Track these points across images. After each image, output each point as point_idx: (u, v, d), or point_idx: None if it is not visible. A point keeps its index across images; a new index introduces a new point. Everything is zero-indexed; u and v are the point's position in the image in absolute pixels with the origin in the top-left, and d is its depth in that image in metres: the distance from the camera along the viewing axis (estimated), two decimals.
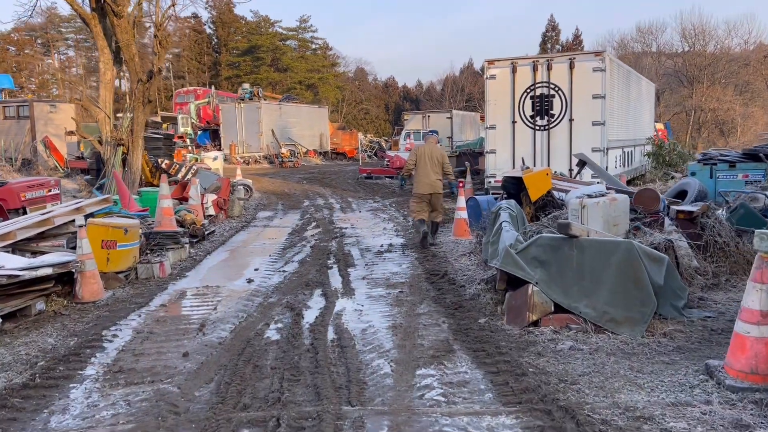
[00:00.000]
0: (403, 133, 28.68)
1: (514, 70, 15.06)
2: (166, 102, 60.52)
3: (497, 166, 15.39)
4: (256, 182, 22.93)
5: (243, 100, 32.73)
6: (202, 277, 7.77)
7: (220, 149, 33.18)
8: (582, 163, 12.33)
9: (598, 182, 11.57)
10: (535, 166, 15.16)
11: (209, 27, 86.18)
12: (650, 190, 7.34)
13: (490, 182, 15.47)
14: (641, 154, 20.43)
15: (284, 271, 7.96)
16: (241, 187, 16.76)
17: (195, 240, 10.09)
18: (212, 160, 20.45)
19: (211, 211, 12.68)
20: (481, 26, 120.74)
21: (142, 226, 9.23)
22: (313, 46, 75.74)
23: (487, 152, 15.57)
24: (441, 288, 6.65)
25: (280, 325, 5.55)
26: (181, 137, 36.44)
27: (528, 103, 15.04)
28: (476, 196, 10.86)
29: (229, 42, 77.87)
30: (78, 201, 8.76)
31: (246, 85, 34.49)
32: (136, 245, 7.68)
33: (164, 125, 43.19)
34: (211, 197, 12.69)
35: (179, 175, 15.16)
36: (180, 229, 8.96)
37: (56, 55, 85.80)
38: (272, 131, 32.50)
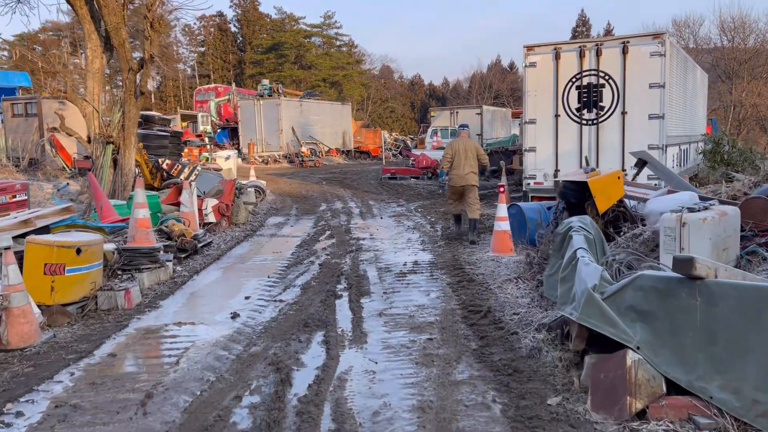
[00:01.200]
0: (430, 130, 26.91)
1: (557, 57, 13.19)
2: (190, 100, 59.68)
3: (537, 166, 13.56)
4: (271, 183, 21.42)
5: (262, 96, 31.30)
6: (178, 309, 6.14)
7: (238, 148, 31.86)
8: (642, 163, 10.45)
9: (658, 185, 9.71)
10: (581, 166, 13.31)
11: (234, 25, 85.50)
12: (762, 199, 5.49)
13: (529, 184, 13.64)
14: (695, 152, 18.35)
15: (281, 301, 6.28)
16: (252, 190, 15.21)
17: (184, 255, 8.50)
18: (224, 159, 18.95)
19: (212, 219, 11.11)
20: (510, 22, 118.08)
21: (114, 241, 7.66)
22: (338, 43, 74.30)
23: (525, 150, 13.71)
24: (484, 334, 4.89)
25: (256, 398, 3.87)
26: (199, 135, 35.25)
27: (573, 94, 13.17)
28: (519, 204, 9.06)
29: (254, 40, 76.93)
30: (33, 211, 7.21)
31: (265, 82, 33.05)
32: (96, 268, 6.08)
33: (183, 123, 42.21)
34: (211, 202, 11.12)
35: (182, 177, 13.66)
36: (159, 245, 7.35)
37: (83, 54, 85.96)
38: (292, 129, 31.00)
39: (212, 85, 46.28)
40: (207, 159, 19.19)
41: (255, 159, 30.07)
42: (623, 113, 12.69)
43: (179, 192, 11.14)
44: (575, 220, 4.65)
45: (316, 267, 7.97)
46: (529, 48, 13.61)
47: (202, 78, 77.51)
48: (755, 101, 47.87)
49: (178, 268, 8.07)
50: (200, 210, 11.01)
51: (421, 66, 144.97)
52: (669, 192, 8.49)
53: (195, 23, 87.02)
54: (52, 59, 75.86)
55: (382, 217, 13.02)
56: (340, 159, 33.80)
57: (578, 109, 13.09)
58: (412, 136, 54.79)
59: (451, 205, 9.99)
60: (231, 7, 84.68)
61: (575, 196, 6.39)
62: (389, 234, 10.70)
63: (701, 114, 20.37)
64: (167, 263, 7.54)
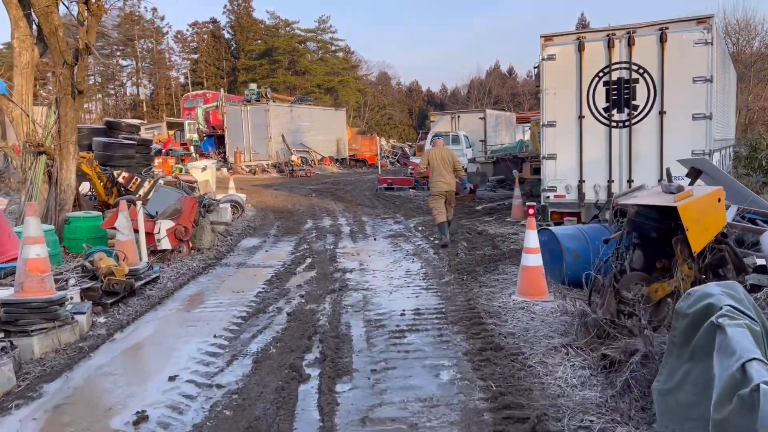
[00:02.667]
0: (430, 136, 24.87)
1: (580, 48, 11.20)
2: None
3: (558, 176, 11.54)
4: (256, 196, 19.38)
5: (249, 101, 29.28)
6: (58, 404, 4.08)
7: (224, 157, 29.84)
8: (696, 174, 8.37)
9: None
10: (611, 176, 11.31)
11: (228, 32, 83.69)
12: None
13: (548, 198, 11.61)
14: (729, 158, 16.36)
15: (219, 387, 4.22)
16: (227, 206, 13.16)
17: (112, 300, 6.44)
18: (200, 170, 16.89)
19: (166, 245, 9.05)
20: (509, 27, 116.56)
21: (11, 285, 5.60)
22: (333, 48, 72.48)
23: (544, 158, 11.68)
24: None
25: None
26: (184, 144, 33.23)
27: (601, 91, 11.17)
28: (552, 228, 6.99)
29: (247, 46, 75.14)
30: None
31: (252, 86, 31.06)
32: None
33: (170, 132, 40.21)
34: (165, 225, 9.06)
35: (141, 192, 11.62)
36: (59, 295, 5.28)
37: None
38: (282, 136, 28.99)
39: (200, 92, 44.31)
40: (181, 170, 17.14)
41: (242, 168, 28.04)
42: (661, 113, 10.69)
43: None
44: (717, 292, 2.58)
45: (284, 318, 5.90)
46: (547, 38, 11.61)
47: (196, 86, 75.52)
48: (762, 105, 46.31)
49: (101, 319, 6.01)
50: (151, 234, 8.97)
51: (419, 72, 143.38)
52: (740, 212, 6.47)
53: (188, 30, 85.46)
54: (43, 67, 73.85)
55: (375, 239, 10.97)
56: (333, 168, 31.77)
57: (607, 110, 11.08)
58: (410, 143, 52.82)
59: (438, 215, 10.04)
60: (224, 13, 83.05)
61: (655, 228, 4.35)
62: (384, 263, 8.63)
63: (734, 114, 18.43)
64: (78, 317, 5.48)
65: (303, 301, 6.55)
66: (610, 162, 11.11)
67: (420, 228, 12.06)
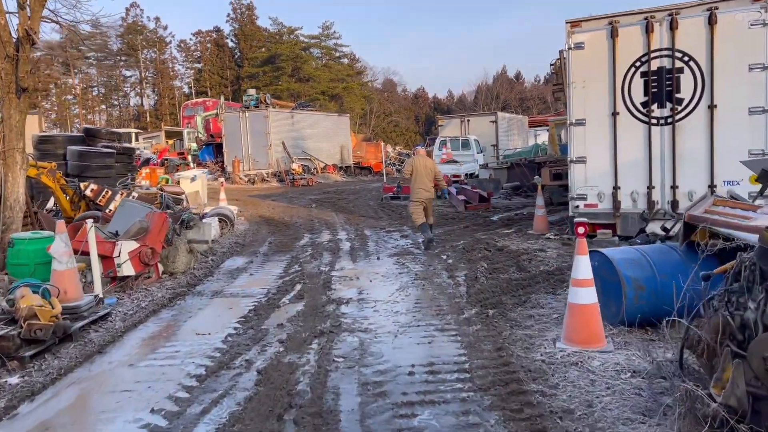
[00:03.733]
0: (438, 141, 23.42)
1: (613, 34, 9.70)
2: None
3: (589, 182, 10.03)
4: (251, 207, 17.93)
5: (248, 108, 27.89)
6: None
7: (222, 166, 28.46)
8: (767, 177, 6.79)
9: None
10: (651, 181, 9.75)
11: (231, 40, 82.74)
12: None
13: (577, 207, 10.10)
14: None
15: None
16: (212, 221, 11.71)
17: (33, 352, 4.96)
18: (189, 181, 15.44)
19: (128, 271, 7.57)
20: (515, 33, 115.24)
21: None
22: (337, 54, 71.26)
23: (571, 161, 10.16)
24: None
25: None
26: (181, 153, 31.91)
27: (638, 83, 9.64)
28: (604, 251, 5.40)
29: (250, 54, 74.12)
30: None
31: (251, 91, 29.65)
32: None
33: (169, 141, 38.93)
34: (127, 247, 7.58)
35: (111, 207, 10.18)
36: None
37: (76, 73, 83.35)
38: (282, 144, 27.56)
39: (200, 100, 43.06)
40: (167, 181, 15.69)
41: (240, 178, 26.63)
42: (711, 107, 9.16)
43: (76, 231, 7.65)
44: None
45: (252, 379, 4.39)
46: (574, 24, 10.11)
47: (199, 95, 74.39)
48: None
49: (12, 380, 4.55)
50: (110, 258, 7.50)
51: (425, 79, 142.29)
52: None
53: (191, 39, 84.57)
54: (45, 79, 72.83)
55: (379, 257, 9.44)
56: (337, 176, 30.29)
57: (645, 105, 9.57)
58: None
59: (417, 219, 10.37)
60: (228, 21, 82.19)
61: None
62: (387, 290, 7.11)
63: None
64: None
65: (282, 349, 5.04)
66: (650, 165, 9.59)
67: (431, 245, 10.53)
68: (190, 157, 31.02)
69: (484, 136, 24.06)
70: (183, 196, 14.62)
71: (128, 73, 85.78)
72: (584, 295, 4.61)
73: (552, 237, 10.57)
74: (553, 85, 18.79)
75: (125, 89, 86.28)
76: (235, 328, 5.77)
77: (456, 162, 21.26)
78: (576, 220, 4.82)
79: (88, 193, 10.33)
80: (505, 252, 9.18)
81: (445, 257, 9.13)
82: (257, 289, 7.55)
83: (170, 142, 38.37)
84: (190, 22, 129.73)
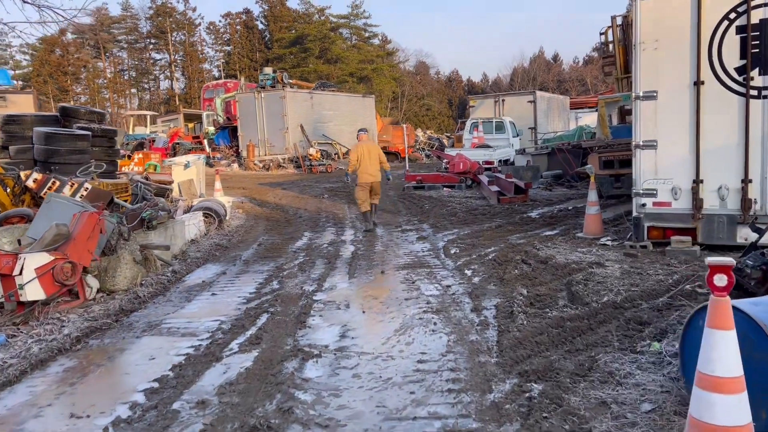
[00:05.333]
0: (469, 123, 21.02)
1: None
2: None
3: (660, 173, 7.70)
4: (257, 198, 15.93)
5: (264, 88, 25.87)
6: None
7: (237, 150, 26.58)
8: None
9: None
10: (747, 173, 7.35)
11: (261, 22, 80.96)
12: None
13: (644, 205, 7.77)
14: None
15: None
16: (194, 218, 9.73)
17: None
18: (183, 168, 13.49)
19: (36, 294, 5.58)
20: (554, 13, 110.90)
21: None
22: (367, 35, 68.79)
23: (637, 146, 7.79)
24: None
25: None
26: (196, 137, 30.18)
27: (732, 41, 7.20)
28: (748, 311, 3.08)
29: (278, 34, 72.25)
30: None
31: (267, 70, 27.60)
32: None
33: (189, 125, 37.26)
34: (35, 262, 5.58)
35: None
36: None
37: (107, 56, 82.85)
38: (301, 127, 25.50)
39: (221, 81, 41.25)
40: (155, 168, 13.77)
41: (255, 164, 24.71)
42: None
43: None
44: None
45: None
46: None
47: (229, 78, 73.08)
48: None
49: None
50: (10, 277, 5.51)
51: (459, 61, 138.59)
52: None
53: (220, 21, 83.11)
54: (75, 62, 72.45)
55: (384, 271, 7.27)
56: None
57: (742, 70, 7.13)
58: (449, 134, 48.87)
59: (362, 204, 10.66)
60: (257, 2, 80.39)
61: None
62: (382, 335, 4.93)
63: None
64: None
65: None
66: (747, 151, 7.18)
67: (454, 250, 8.31)
68: (206, 142, 29.28)
69: (520, 118, 21.59)
70: (171, 185, 12.72)
71: (158, 57, 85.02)
72: (727, 409, 2.36)
73: (609, 243, 8.24)
74: (602, 57, 16.22)
75: (155, 72, 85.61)
76: (133, 406, 3.70)
77: (489, 147, 18.89)
78: (712, 263, 2.50)
79: (30, 183, 8.41)
80: (550, 267, 6.92)
81: (469, 273, 6.92)
82: (207, 322, 5.48)
83: (190, 125, 36.77)
84: (219, 4, 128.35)
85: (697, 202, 7.46)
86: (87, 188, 8.44)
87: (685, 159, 7.52)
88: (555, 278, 6.45)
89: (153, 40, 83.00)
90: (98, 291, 6.46)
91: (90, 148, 11.92)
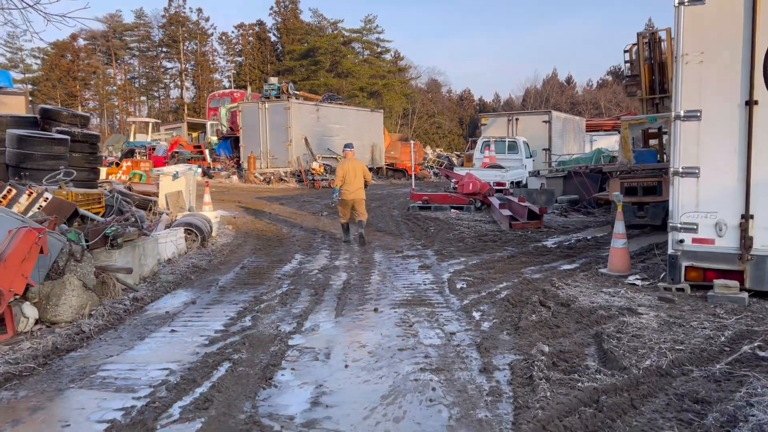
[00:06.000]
0: (480, 141, 20.01)
1: None
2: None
3: (702, 205, 6.69)
4: (251, 213, 14.95)
5: (268, 98, 25.01)
6: None
7: (238, 162, 25.69)
8: None
9: None
10: None
11: (273, 34, 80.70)
12: None
13: (682, 242, 6.74)
14: None
15: None
16: (172, 235, 8.74)
17: None
18: (171, 178, 12.52)
19: None
20: (568, 36, 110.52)
21: None
22: (379, 50, 68.24)
23: (676, 173, 6.75)
24: None
25: None
26: (198, 147, 29.33)
27: None
28: None
29: (289, 47, 71.88)
30: None
31: (273, 79, 26.79)
32: None
33: (193, 134, 36.45)
34: None
35: (15, 210, 7.27)
36: None
37: (118, 63, 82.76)
38: (305, 140, 24.60)
39: (227, 90, 40.55)
40: (141, 177, 12.81)
41: (255, 177, 23.77)
42: None
43: None
44: None
45: None
46: None
47: (240, 90, 72.65)
48: None
49: None
50: None
51: (471, 81, 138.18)
52: None
53: (233, 32, 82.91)
54: (85, 68, 72.13)
55: (378, 309, 6.20)
56: None
57: None
58: (458, 153, 47.93)
59: (344, 218, 11.02)
60: (271, 14, 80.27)
61: None
62: (366, 402, 3.85)
63: None
64: None
65: None
66: None
67: (460, 284, 7.25)
68: (207, 152, 28.42)
69: (534, 138, 20.58)
70: (155, 197, 11.75)
71: (169, 65, 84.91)
72: None
73: (639, 283, 7.17)
74: (625, 77, 15.22)
75: (165, 81, 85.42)
76: None
77: (500, 167, 17.86)
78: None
79: None
80: (573, 311, 5.85)
81: (478, 315, 5.85)
82: (153, 371, 4.44)
83: (194, 134, 36.00)
84: (232, 15, 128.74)
85: (745, 240, 6.41)
86: (47, 198, 7.47)
87: (732, 190, 6.48)
88: (580, 327, 5.38)
89: (165, 49, 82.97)
90: (37, 322, 5.44)
91: (67, 154, 11.01)
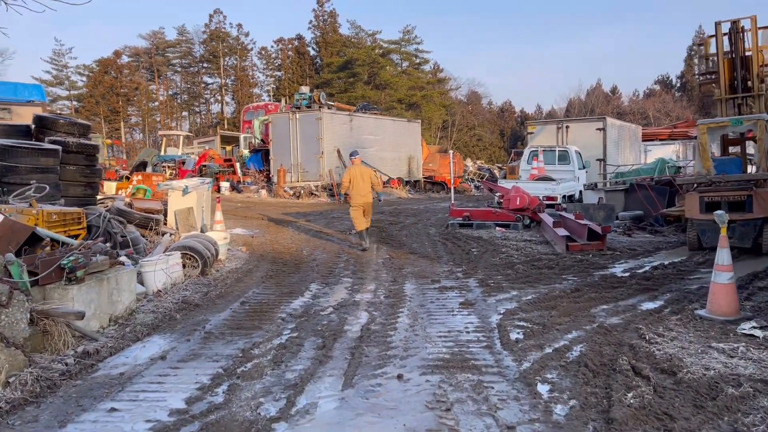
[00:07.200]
0: (527, 151, 18.12)
1: None
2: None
3: None
4: (273, 231, 13.47)
5: (299, 108, 23.67)
6: None
7: (268, 176, 24.41)
8: None
9: None
10: None
11: (312, 48, 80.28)
12: None
13: None
14: None
15: None
16: (170, 259, 7.28)
17: None
18: (181, 194, 11.12)
19: None
20: (613, 46, 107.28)
21: None
22: (417, 60, 66.80)
23: None
24: None
25: None
26: (228, 160, 28.21)
27: None
28: None
29: (327, 60, 71.18)
30: None
31: (304, 89, 25.47)
32: None
33: (227, 147, 35.52)
34: None
35: None
36: None
37: (160, 79, 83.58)
38: (338, 152, 23.13)
39: (262, 102, 39.61)
40: (146, 192, 11.44)
41: (285, 191, 22.39)
42: None
43: None
44: None
45: None
46: None
47: (276, 102, 72.17)
48: None
49: None
50: None
51: (512, 92, 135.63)
52: None
53: (272, 46, 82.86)
54: (128, 84, 72.96)
55: (402, 375, 4.48)
56: (402, 192, 25.51)
57: None
58: (500, 165, 45.89)
59: (359, 224, 11.14)
60: (310, 28, 79.93)
61: None
62: None
63: None
64: None
65: None
66: None
67: (515, 333, 5.48)
68: (237, 165, 27.26)
69: (586, 147, 18.59)
70: (158, 215, 10.34)
71: (210, 80, 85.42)
72: None
73: (759, 334, 5.28)
74: (699, 75, 13.21)
75: (206, 96, 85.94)
76: None
77: (551, 180, 15.96)
78: None
79: None
80: (684, 386, 4.03)
81: (546, 391, 4.07)
82: None
83: (228, 147, 35.06)
84: (272, 29, 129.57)
85: None
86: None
87: None
88: (705, 418, 3.57)
89: (205, 64, 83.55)
90: None
91: (57, 167, 9.71)
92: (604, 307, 6.51)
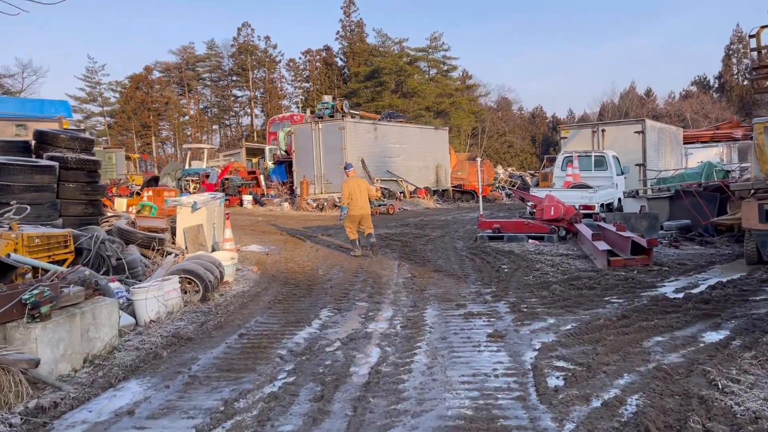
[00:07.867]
0: (561, 157, 17.04)
1: None
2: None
3: None
4: (290, 247, 12.72)
5: (321, 118, 23.01)
6: None
7: (291, 188, 23.76)
8: None
9: None
10: None
11: (340, 59, 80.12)
12: None
13: None
14: None
15: None
16: (167, 285, 6.54)
17: None
18: (191, 211, 10.42)
19: None
20: (646, 48, 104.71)
21: None
22: (445, 67, 65.90)
23: None
24: None
25: None
26: (252, 173, 27.70)
27: None
28: None
29: (354, 69, 70.82)
30: None
31: (326, 98, 24.81)
32: None
33: (253, 159, 35.08)
34: None
35: None
36: None
37: (190, 94, 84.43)
38: (362, 162, 22.35)
39: (288, 114, 39.17)
40: (152, 209, 10.78)
41: (308, 203, 21.70)
42: None
43: None
44: None
45: None
46: None
47: (303, 113, 72.00)
48: None
49: None
50: None
51: (543, 98, 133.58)
52: None
53: (300, 58, 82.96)
54: (158, 99, 73.74)
55: None
56: (429, 201, 24.58)
57: None
58: (532, 172, 44.59)
59: (352, 233, 11.50)
60: (337, 39, 79.76)
61: None
62: None
63: None
64: None
65: None
66: None
67: (554, 379, 4.54)
68: (261, 177, 26.72)
69: (624, 152, 17.43)
70: (163, 233, 9.64)
71: (239, 93, 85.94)
72: None
73: None
74: (751, 69, 12.04)
75: (235, 109, 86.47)
76: None
77: (587, 187, 14.87)
78: None
79: None
80: None
81: None
82: None
83: (254, 160, 34.65)
84: (299, 41, 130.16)
85: None
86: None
87: None
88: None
89: (235, 78, 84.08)
90: None
91: (54, 184, 9.10)
92: (659, 339, 5.51)
